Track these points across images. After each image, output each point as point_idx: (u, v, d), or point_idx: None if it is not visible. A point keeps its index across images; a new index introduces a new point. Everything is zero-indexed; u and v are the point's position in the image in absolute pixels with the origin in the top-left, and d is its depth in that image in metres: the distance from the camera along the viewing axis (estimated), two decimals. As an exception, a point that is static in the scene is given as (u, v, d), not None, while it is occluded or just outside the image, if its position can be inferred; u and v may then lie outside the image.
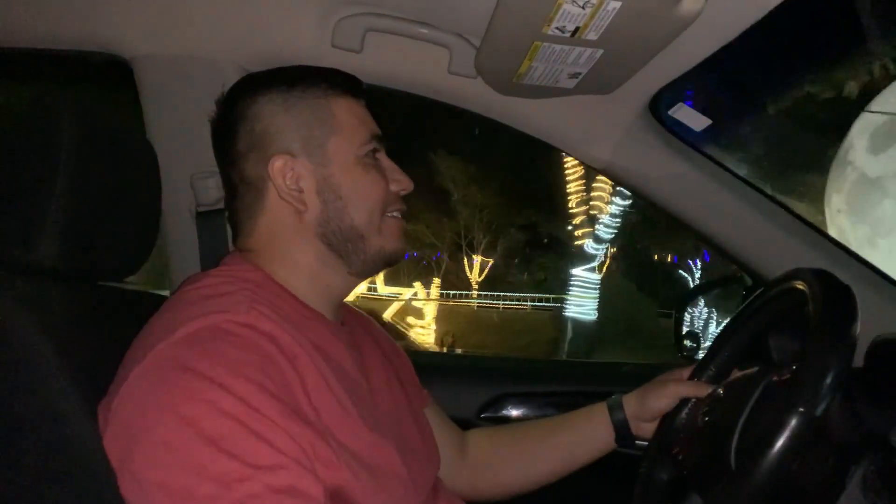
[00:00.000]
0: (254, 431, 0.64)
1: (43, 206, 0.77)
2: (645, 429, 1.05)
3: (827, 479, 0.79)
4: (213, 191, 1.19)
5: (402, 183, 0.93)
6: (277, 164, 0.85)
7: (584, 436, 1.09)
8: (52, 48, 1.18)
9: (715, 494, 0.72)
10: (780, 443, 0.68)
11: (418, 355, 1.79)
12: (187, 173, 1.21)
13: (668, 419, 1.02)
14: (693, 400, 1.00)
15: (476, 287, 24.39)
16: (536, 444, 1.13)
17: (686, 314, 1.74)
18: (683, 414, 0.99)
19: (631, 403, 1.07)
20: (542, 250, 24.58)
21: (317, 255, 0.87)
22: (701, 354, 1.08)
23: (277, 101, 0.87)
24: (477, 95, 1.20)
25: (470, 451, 1.12)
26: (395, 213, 0.91)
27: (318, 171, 0.86)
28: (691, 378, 1.04)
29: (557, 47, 0.95)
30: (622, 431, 1.06)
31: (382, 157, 0.92)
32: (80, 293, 0.84)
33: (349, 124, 0.89)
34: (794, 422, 0.68)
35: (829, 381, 0.70)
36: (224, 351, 0.68)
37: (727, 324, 1.04)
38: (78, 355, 0.73)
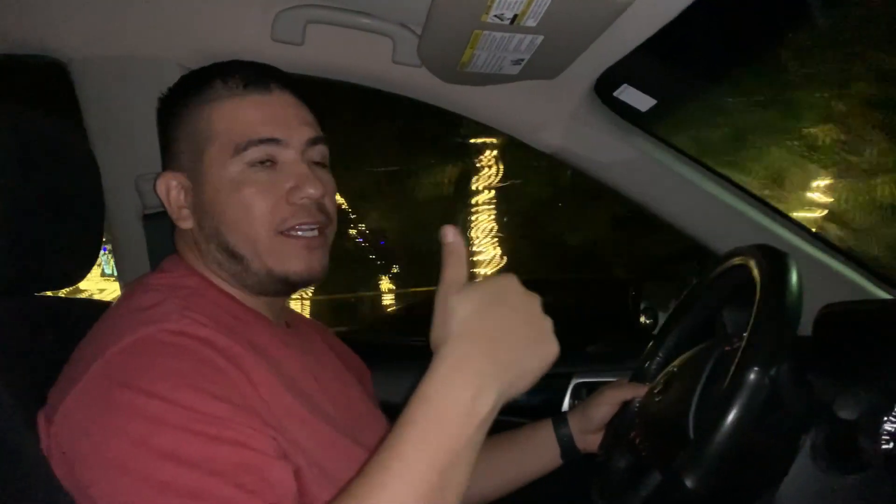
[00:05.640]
0: (209, 436, 0.62)
1: None
2: (591, 441, 1.07)
3: (781, 446, 0.81)
4: None
5: (303, 190, 0.80)
6: (159, 180, 0.84)
7: (531, 452, 1.10)
8: None
9: (676, 466, 0.72)
10: (738, 402, 0.68)
11: (371, 345, 1.77)
12: (132, 176, 1.19)
13: (623, 407, 1.04)
14: (636, 399, 1.01)
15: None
16: (483, 460, 1.12)
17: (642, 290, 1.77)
18: (636, 402, 1.01)
19: (575, 417, 1.09)
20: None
21: (220, 265, 0.83)
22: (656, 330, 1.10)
23: (175, 110, 0.85)
24: (422, 84, 1.20)
25: None
26: (296, 231, 0.81)
27: (196, 188, 0.82)
28: (645, 357, 1.06)
29: (498, 35, 0.95)
30: (567, 446, 1.08)
31: (288, 162, 0.81)
32: (18, 306, 0.82)
33: (225, 132, 0.80)
34: (749, 381, 0.68)
35: (779, 339, 0.71)
36: (161, 363, 0.65)
37: (676, 306, 1.06)
38: (19, 370, 0.72)
